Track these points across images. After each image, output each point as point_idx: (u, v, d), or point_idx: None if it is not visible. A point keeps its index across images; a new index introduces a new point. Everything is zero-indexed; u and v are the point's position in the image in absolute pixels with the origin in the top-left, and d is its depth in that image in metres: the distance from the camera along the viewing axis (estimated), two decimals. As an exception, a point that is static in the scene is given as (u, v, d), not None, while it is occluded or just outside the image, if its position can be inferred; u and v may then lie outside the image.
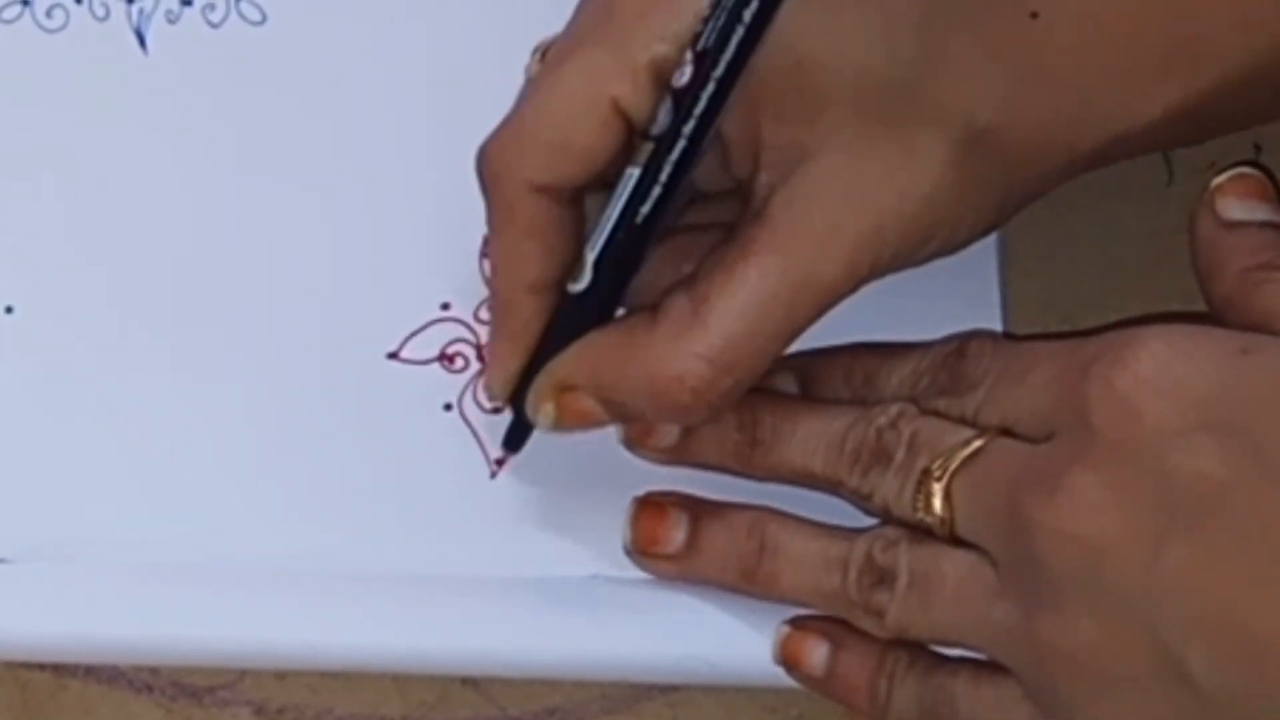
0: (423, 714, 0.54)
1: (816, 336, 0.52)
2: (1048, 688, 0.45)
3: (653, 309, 0.48)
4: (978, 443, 0.47)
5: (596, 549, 0.53)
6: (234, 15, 0.57)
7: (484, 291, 0.55)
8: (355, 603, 0.52)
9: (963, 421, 0.48)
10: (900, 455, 0.48)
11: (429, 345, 0.55)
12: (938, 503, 0.47)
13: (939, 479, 0.47)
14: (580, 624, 0.52)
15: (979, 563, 0.47)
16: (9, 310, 0.55)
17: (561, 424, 0.50)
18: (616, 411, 0.49)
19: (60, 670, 0.54)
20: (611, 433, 0.53)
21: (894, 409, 0.49)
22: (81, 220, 0.56)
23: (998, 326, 0.54)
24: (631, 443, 0.52)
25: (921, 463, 0.47)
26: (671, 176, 0.48)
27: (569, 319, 0.49)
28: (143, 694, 0.54)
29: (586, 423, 0.50)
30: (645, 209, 0.48)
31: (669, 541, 0.52)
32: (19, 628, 0.52)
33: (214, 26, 0.57)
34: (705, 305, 0.47)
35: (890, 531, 0.48)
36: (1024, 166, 0.48)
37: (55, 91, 0.56)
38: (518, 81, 0.55)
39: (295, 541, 0.53)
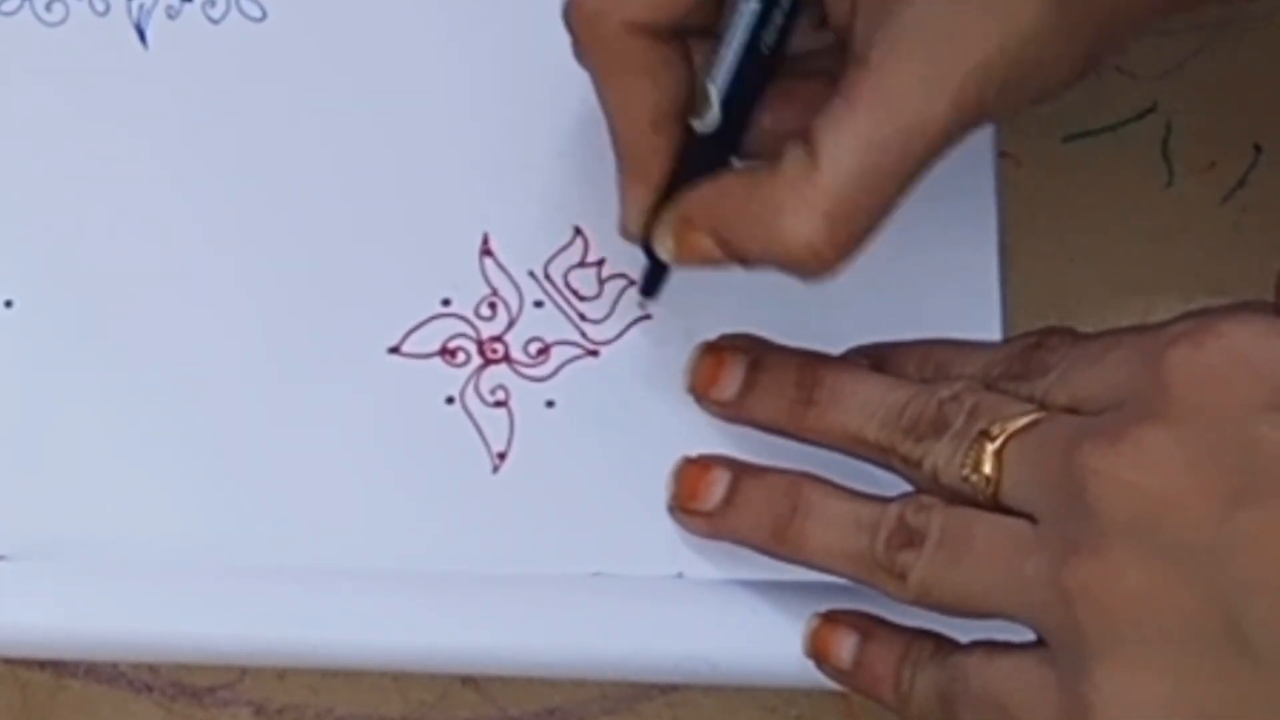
0: (423, 714, 0.54)
1: (816, 338, 0.52)
2: (1072, 637, 0.44)
3: (775, 158, 0.48)
4: (1040, 414, 0.47)
5: (598, 546, 0.53)
6: (234, 11, 0.57)
7: (484, 288, 0.55)
8: (355, 599, 0.52)
9: (1030, 400, 0.48)
10: (959, 422, 0.48)
11: (430, 340, 0.54)
12: (987, 463, 0.46)
13: (993, 439, 0.47)
14: (580, 623, 0.52)
15: (1017, 524, 0.46)
16: (8, 304, 0.55)
17: (680, 259, 0.50)
18: (733, 255, 0.49)
19: (60, 670, 0.54)
20: (613, 430, 0.53)
21: (959, 384, 0.49)
22: (81, 215, 0.55)
23: (998, 326, 0.54)
24: (695, 394, 0.53)
25: (979, 426, 0.47)
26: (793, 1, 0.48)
27: (698, 158, 0.49)
28: (143, 694, 0.54)
29: (704, 261, 0.49)
30: (770, 37, 0.48)
31: (708, 498, 0.52)
32: (18, 625, 0.52)
33: (214, 22, 0.57)
34: (818, 156, 0.47)
35: (925, 497, 0.48)
36: (1115, 6, 0.48)
37: (55, 86, 0.56)
38: (518, 75, 0.55)
39: (295, 537, 0.53)
